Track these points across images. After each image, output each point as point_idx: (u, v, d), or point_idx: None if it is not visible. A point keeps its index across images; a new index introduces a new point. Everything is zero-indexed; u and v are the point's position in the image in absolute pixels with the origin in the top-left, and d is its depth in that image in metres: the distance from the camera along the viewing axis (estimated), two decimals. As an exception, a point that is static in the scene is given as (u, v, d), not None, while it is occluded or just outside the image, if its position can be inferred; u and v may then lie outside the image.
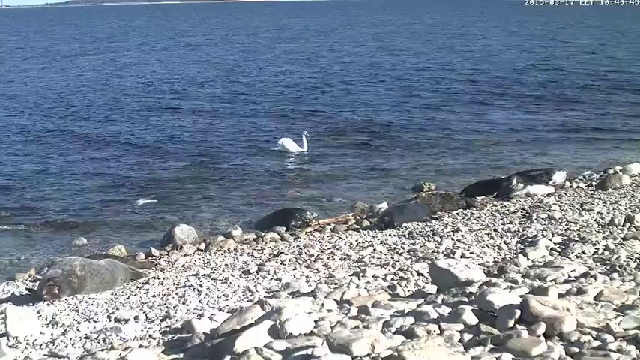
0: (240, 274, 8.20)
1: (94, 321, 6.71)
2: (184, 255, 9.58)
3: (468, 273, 5.84)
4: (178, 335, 5.71)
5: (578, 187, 12.34)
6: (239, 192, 13.24)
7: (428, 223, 10.19)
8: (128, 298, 7.56)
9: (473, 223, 9.90)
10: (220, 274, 8.27)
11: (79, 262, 7.90)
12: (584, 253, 7.43)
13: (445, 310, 4.57)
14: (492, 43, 48.00)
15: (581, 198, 11.08)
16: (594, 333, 3.87)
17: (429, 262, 7.28)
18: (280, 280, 7.80)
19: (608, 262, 6.64)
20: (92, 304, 7.30)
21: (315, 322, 4.61)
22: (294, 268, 8.27)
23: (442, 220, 10.32)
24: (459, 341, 3.93)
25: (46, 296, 7.42)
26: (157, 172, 14.78)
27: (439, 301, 5.13)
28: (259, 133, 18.71)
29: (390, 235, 9.70)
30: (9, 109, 23.29)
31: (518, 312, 4.01)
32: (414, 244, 9.01)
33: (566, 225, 9.09)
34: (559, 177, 12.69)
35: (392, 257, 8.38)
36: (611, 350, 3.63)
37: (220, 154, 16.32)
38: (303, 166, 15.17)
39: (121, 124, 20.38)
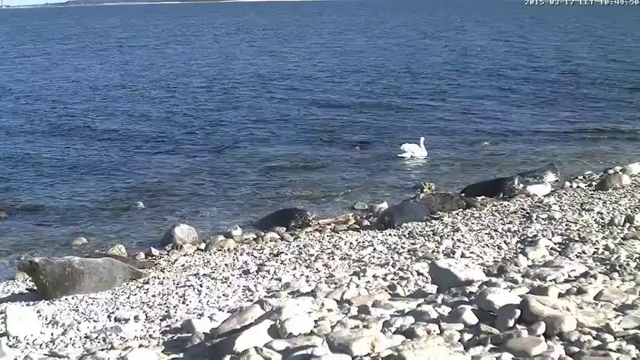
0: (240, 274, 8.21)
1: (94, 321, 6.71)
2: (184, 255, 9.58)
3: (468, 273, 5.84)
4: (178, 335, 5.71)
5: (578, 187, 12.35)
6: (239, 192, 13.24)
7: (428, 223, 10.19)
8: (128, 297, 7.56)
9: (473, 223, 9.90)
10: (220, 273, 8.27)
11: (78, 258, 8.04)
12: (584, 253, 7.43)
13: (445, 310, 4.57)
14: (492, 43, 47.97)
15: (581, 198, 11.09)
16: (594, 333, 3.88)
17: (429, 262, 7.27)
18: (280, 280, 7.80)
19: (608, 262, 6.64)
20: (92, 304, 7.31)
21: (315, 321, 4.61)
22: (294, 268, 8.27)
23: (442, 220, 10.32)
24: (459, 341, 3.94)
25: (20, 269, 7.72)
26: (157, 172, 14.77)
27: (439, 301, 5.13)
28: (259, 133, 18.70)
29: (390, 235, 9.70)
30: (4, 110, 23.25)
31: (518, 312, 4.01)
32: (414, 244, 9.01)
33: (566, 225, 9.09)
34: (553, 177, 12.70)
35: (392, 257, 8.37)
36: (611, 350, 3.63)
37: (220, 154, 16.31)
38: (304, 167, 15.15)
39: (121, 123, 20.36)
